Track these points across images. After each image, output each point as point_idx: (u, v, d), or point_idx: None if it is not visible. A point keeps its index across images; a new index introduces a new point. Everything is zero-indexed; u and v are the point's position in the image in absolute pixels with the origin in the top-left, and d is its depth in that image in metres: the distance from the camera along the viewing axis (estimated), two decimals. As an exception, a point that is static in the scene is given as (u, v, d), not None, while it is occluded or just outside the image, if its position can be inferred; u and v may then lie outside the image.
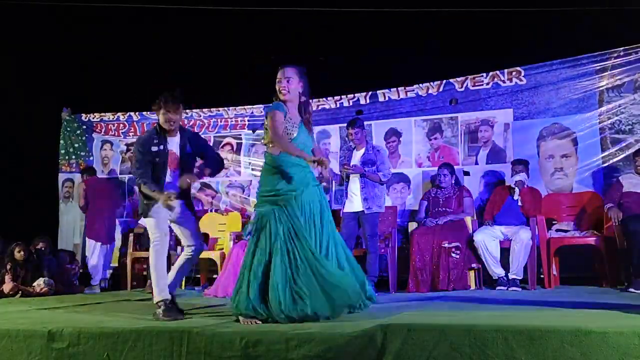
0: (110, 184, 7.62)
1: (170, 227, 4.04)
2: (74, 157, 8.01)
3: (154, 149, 3.87)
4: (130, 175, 7.55)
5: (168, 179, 3.92)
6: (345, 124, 5.89)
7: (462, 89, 6.41)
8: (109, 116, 7.97)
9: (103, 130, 8.00)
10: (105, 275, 7.11)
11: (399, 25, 6.73)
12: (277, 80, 3.57)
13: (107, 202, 7.10)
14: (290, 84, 3.52)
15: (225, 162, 7.42)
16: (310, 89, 3.67)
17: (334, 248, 3.53)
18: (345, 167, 5.31)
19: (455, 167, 6.07)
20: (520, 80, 6.16)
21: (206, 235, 6.85)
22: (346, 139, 6.01)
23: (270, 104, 3.65)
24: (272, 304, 3.23)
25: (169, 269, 4.00)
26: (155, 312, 3.66)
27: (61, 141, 8.01)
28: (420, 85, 6.54)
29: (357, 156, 5.42)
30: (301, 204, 3.45)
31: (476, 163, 6.33)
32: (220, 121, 7.51)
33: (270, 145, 3.55)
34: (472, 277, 5.42)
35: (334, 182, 6.03)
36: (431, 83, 6.51)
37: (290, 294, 3.25)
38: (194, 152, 4.05)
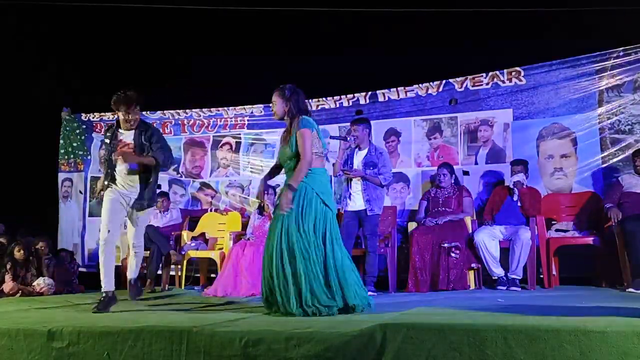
0: None
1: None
2: (72, 156, 8.02)
3: (107, 140, 4.42)
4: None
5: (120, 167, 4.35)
6: (345, 124, 5.88)
7: (462, 89, 6.40)
8: (108, 116, 7.96)
9: (103, 130, 8.00)
10: None
11: (399, 25, 6.73)
12: None
13: None
14: (275, 106, 3.96)
15: (224, 161, 7.50)
16: (307, 94, 4.02)
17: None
18: (346, 171, 5.30)
19: (455, 167, 6.07)
20: (520, 80, 6.16)
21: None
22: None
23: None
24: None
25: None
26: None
27: (61, 141, 8.02)
28: (420, 85, 6.54)
29: (359, 157, 5.40)
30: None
31: (476, 163, 6.33)
32: (220, 121, 7.51)
33: None
34: (472, 277, 5.43)
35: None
36: (431, 83, 6.50)
37: None
38: (146, 142, 4.37)
